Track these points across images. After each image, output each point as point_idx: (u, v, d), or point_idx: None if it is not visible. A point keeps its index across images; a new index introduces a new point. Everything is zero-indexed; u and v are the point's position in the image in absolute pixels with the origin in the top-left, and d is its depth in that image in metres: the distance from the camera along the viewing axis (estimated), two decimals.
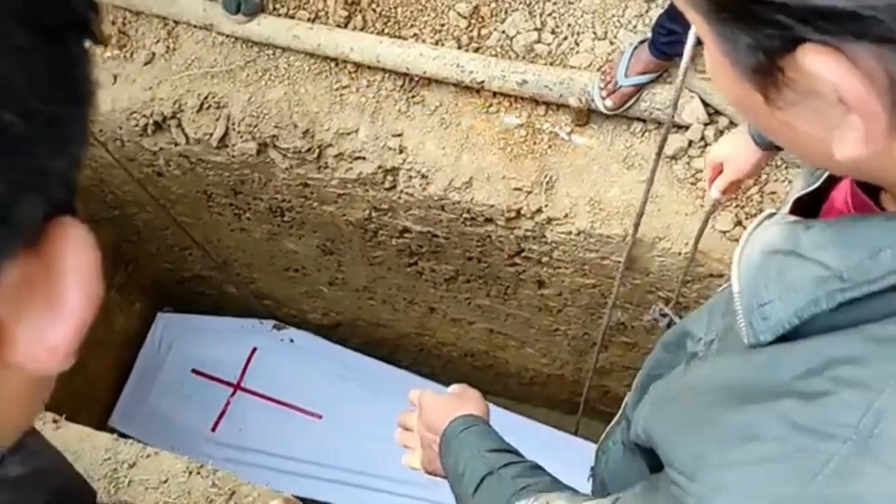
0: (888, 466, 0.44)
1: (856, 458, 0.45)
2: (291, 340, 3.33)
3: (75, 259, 0.30)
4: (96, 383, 3.36)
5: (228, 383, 3.34)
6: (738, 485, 0.50)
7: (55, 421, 1.78)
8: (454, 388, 1.23)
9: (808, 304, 0.50)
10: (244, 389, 3.31)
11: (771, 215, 0.56)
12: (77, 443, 1.74)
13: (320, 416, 3.17)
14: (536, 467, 1.00)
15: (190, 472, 1.71)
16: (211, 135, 2.12)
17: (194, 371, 3.39)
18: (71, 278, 0.30)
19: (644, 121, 1.89)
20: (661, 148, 1.43)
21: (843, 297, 0.48)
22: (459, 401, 1.16)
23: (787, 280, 0.53)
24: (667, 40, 1.69)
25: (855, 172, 0.53)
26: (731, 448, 0.51)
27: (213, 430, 3.23)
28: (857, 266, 0.48)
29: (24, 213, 0.27)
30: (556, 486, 0.93)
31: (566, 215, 1.92)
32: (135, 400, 3.41)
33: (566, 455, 2.45)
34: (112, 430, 2.93)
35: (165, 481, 1.67)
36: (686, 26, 1.38)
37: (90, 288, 0.30)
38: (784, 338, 0.52)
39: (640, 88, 1.81)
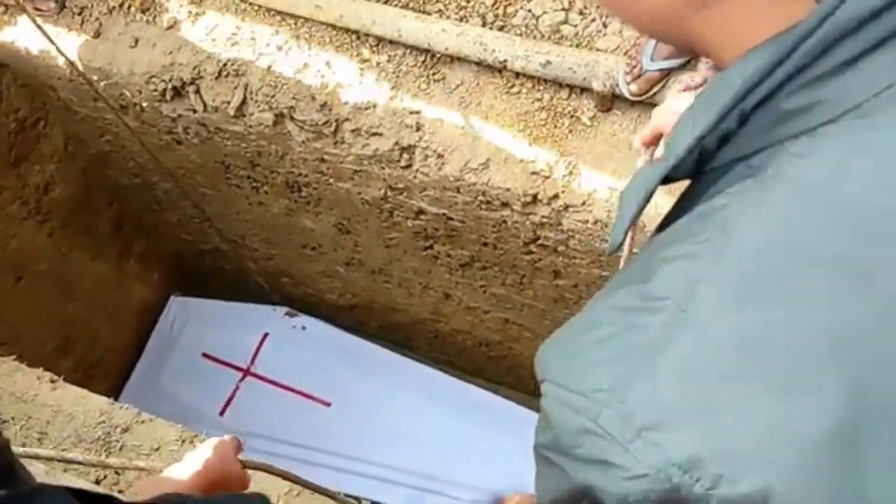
0: (704, 330, 0.47)
1: (675, 327, 0.48)
2: (303, 328, 3.31)
3: None
4: (111, 352, 3.37)
5: (238, 368, 3.33)
6: (579, 366, 0.53)
7: (52, 381, 1.76)
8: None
9: (641, 197, 0.57)
10: (254, 375, 3.31)
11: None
12: (72, 405, 1.72)
13: (329, 404, 3.15)
14: None
15: (183, 441, 1.68)
16: (229, 103, 2.09)
17: (205, 355, 3.39)
18: None
19: None
20: None
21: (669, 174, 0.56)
22: None
23: (634, 181, 0.59)
24: None
25: (678, 31, 0.56)
26: (577, 337, 0.55)
27: (221, 414, 3.23)
28: (676, 145, 0.54)
29: None
30: None
31: (584, 203, 1.86)
32: (144, 381, 3.42)
33: None
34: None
35: (157, 448, 1.65)
36: None
37: None
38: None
39: (666, 74, 1.75)
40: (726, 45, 0.55)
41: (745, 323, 0.47)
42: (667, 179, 0.57)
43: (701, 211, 0.53)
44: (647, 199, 0.59)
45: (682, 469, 0.47)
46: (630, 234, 0.62)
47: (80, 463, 1.45)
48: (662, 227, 0.65)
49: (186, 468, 1.13)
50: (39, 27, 1.94)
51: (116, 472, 1.63)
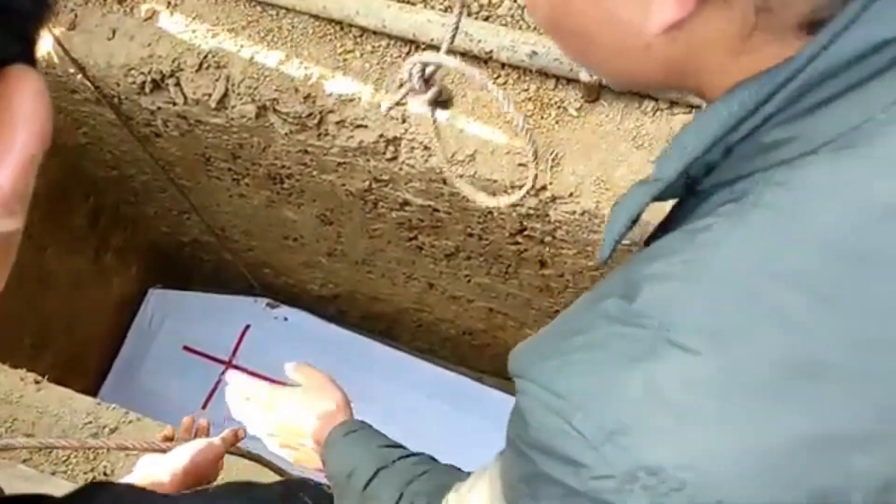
0: (683, 347, 0.50)
1: (657, 344, 0.51)
2: (285, 319, 3.29)
3: (26, 102, 0.31)
4: (90, 346, 3.33)
5: (220, 361, 3.30)
6: (560, 369, 0.56)
7: (37, 382, 1.73)
8: (295, 372, 1.22)
9: (630, 215, 0.60)
10: (236, 367, 3.28)
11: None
12: (58, 405, 1.70)
13: None
14: (432, 458, 1.01)
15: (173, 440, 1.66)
16: (210, 95, 2.06)
17: (185, 348, 3.35)
18: (20, 119, 0.31)
19: (656, 99, 1.82)
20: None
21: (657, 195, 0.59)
22: (318, 396, 1.16)
23: (624, 198, 0.62)
24: None
25: (666, 73, 0.59)
26: (560, 340, 0.58)
27: (204, 407, 3.20)
28: (663, 166, 0.58)
29: None
30: (457, 472, 0.94)
31: (571, 194, 1.86)
32: (124, 377, 3.38)
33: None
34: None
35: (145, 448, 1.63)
36: None
37: (38, 130, 0.32)
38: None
39: None
40: (708, 82, 0.59)
41: (721, 352, 0.50)
42: (657, 198, 0.61)
43: (685, 231, 0.56)
44: (636, 219, 0.62)
45: (648, 472, 0.50)
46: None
47: (59, 448, 1.43)
48: (650, 240, 0.68)
49: (167, 465, 1.12)
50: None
51: (105, 474, 1.61)
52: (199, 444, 1.16)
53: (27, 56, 0.33)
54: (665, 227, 0.66)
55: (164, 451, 1.13)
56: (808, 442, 0.48)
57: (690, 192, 0.61)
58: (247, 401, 1.22)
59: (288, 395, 1.18)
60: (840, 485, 0.48)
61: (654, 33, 0.55)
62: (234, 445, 1.25)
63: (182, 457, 1.10)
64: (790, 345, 0.49)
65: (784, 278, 0.50)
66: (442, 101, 1.00)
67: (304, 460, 1.13)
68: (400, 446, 1.05)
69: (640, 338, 0.52)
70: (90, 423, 1.69)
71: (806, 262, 0.50)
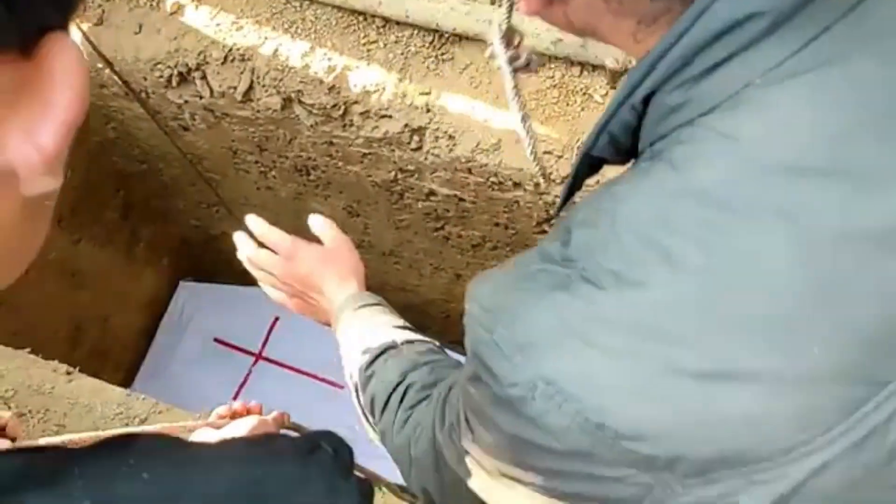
0: (594, 283, 0.58)
1: (575, 281, 0.59)
2: None
3: (66, 66, 0.33)
4: (121, 340, 3.37)
5: (250, 353, 3.32)
6: (494, 290, 0.65)
7: (68, 373, 1.76)
8: (322, 227, 1.27)
9: (573, 171, 0.73)
10: (265, 359, 3.30)
11: None
12: (89, 396, 1.72)
13: (342, 387, 3.14)
14: (442, 349, 1.09)
15: None
16: (235, 88, 2.07)
17: (216, 340, 3.38)
18: (61, 82, 0.33)
19: None
20: None
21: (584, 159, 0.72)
22: (336, 259, 1.23)
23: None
24: None
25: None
26: (503, 274, 0.67)
27: (234, 399, 3.22)
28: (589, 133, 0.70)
29: (23, 18, 0.31)
30: (458, 367, 0.99)
31: (597, 182, 1.84)
32: (156, 369, 3.41)
33: None
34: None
35: None
36: None
37: (78, 91, 0.34)
38: None
39: None
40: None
41: (622, 290, 0.57)
42: (611, 161, 0.71)
43: (606, 184, 0.64)
44: (577, 176, 0.74)
45: (546, 382, 0.59)
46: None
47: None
48: None
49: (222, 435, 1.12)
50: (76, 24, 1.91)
51: None
52: (253, 420, 1.17)
53: (65, 25, 0.34)
54: None
55: (219, 427, 1.14)
56: (692, 376, 0.55)
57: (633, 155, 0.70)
58: (260, 249, 1.29)
59: (309, 249, 1.23)
60: (714, 419, 0.55)
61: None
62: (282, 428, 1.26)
63: (238, 431, 1.10)
64: (677, 288, 0.56)
65: (671, 226, 0.57)
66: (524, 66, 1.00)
67: (311, 313, 1.25)
68: (411, 328, 1.12)
69: (562, 274, 0.61)
70: (121, 413, 1.70)
71: (689, 212, 0.57)
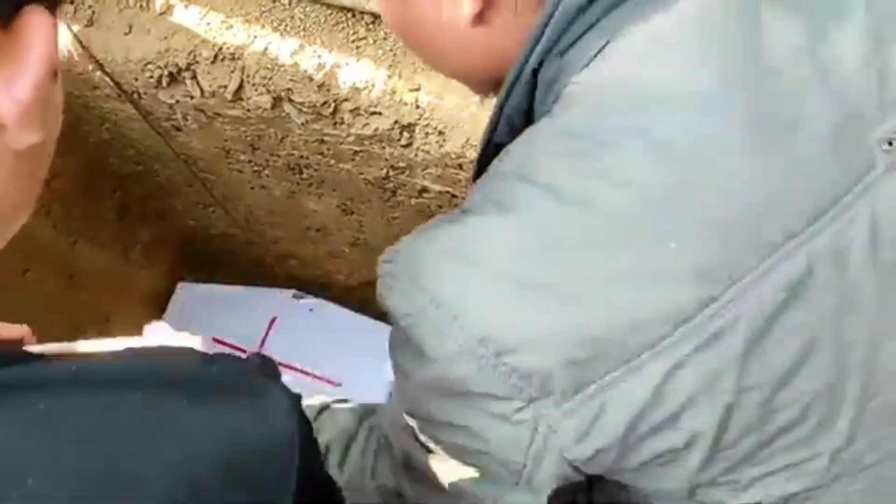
0: (479, 214, 0.73)
1: (461, 215, 0.73)
2: (311, 309, 3.30)
3: (39, 34, 0.41)
4: None
5: (248, 352, 3.33)
6: (420, 260, 0.73)
7: None
8: None
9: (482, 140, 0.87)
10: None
11: None
12: None
13: (339, 384, 3.14)
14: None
15: None
16: (226, 87, 2.07)
17: (215, 340, 3.38)
18: (33, 47, 0.40)
19: None
20: None
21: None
22: None
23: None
24: None
25: (484, 63, 0.82)
26: (420, 237, 0.77)
27: None
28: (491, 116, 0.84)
29: None
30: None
31: None
32: None
33: None
34: None
35: None
36: None
37: (47, 52, 0.41)
38: None
39: None
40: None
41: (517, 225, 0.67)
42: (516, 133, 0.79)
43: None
44: (485, 142, 0.85)
45: (436, 305, 0.64)
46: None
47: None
48: None
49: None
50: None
51: None
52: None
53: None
54: None
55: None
56: (555, 286, 0.64)
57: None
58: None
59: None
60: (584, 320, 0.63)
61: (462, 28, 0.75)
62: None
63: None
64: (544, 206, 0.65)
65: (543, 158, 0.68)
66: None
67: None
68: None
69: (452, 217, 0.73)
70: None
71: (556, 146, 0.68)
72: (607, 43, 0.67)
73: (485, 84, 0.85)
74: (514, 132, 0.75)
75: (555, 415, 0.61)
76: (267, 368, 0.55)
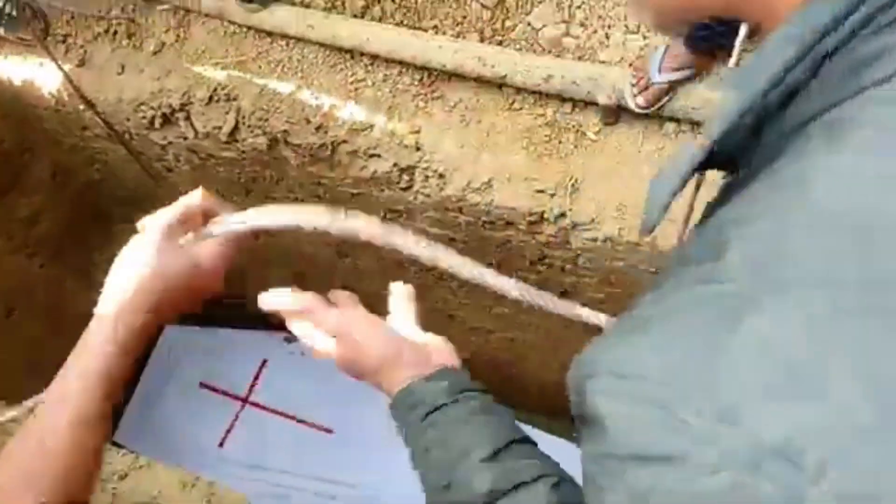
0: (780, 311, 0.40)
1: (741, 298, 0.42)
2: (302, 353, 3.22)
3: None
4: None
5: (237, 397, 3.24)
6: (637, 352, 0.45)
7: None
8: (399, 292, 0.90)
9: (681, 174, 0.55)
10: (253, 404, 3.22)
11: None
12: None
13: (331, 432, 3.06)
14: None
15: (184, 485, 1.60)
16: (220, 128, 2.03)
17: (202, 384, 3.29)
18: None
19: (678, 121, 1.76)
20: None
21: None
22: (415, 353, 0.80)
23: (670, 162, 0.57)
24: (704, 34, 1.56)
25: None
26: (629, 333, 0.48)
27: (221, 445, 3.13)
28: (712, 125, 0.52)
29: None
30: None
31: (592, 220, 1.79)
32: (141, 415, 3.32)
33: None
34: (117, 446, 2.85)
35: (156, 496, 1.57)
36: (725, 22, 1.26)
37: None
38: None
39: (674, 86, 1.68)
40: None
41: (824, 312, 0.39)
42: (715, 166, 0.59)
43: (770, 173, 0.48)
44: (687, 178, 0.56)
45: (773, 452, 0.38)
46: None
47: None
48: (705, 217, 0.60)
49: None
50: (58, 65, 1.88)
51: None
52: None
53: None
54: (713, 210, 0.57)
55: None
56: None
57: (759, 145, 0.54)
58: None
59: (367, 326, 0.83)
60: None
61: None
62: None
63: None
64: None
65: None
66: None
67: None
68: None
69: (730, 293, 0.43)
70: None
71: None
72: None
73: (674, 19, 0.59)
74: (761, 115, 0.52)
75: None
76: None
